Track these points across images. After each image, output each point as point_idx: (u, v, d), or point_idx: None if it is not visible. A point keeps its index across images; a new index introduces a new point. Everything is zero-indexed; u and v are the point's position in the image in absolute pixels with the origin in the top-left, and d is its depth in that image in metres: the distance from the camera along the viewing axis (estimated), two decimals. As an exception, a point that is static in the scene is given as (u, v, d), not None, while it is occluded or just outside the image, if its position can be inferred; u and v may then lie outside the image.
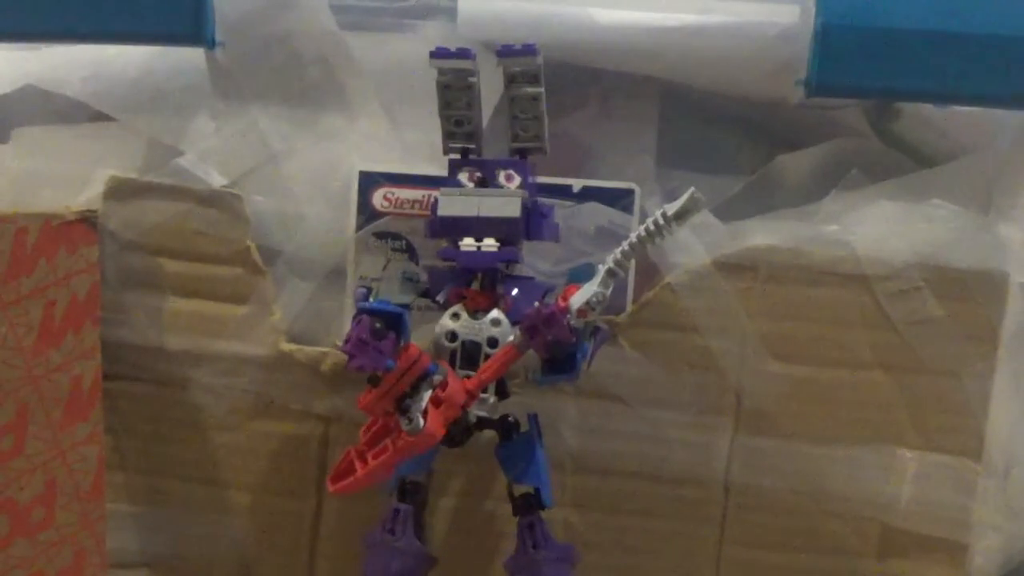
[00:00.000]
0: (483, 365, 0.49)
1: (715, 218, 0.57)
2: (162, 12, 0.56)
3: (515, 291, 0.51)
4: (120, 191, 0.57)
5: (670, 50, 0.58)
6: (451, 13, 0.58)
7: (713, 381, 0.56)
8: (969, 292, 0.55)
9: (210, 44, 0.57)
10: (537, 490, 0.51)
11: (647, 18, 0.58)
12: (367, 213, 0.57)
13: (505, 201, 0.50)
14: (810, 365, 0.56)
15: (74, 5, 0.56)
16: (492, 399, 0.50)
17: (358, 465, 0.47)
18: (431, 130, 0.53)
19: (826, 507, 0.56)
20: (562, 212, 0.56)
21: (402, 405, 0.46)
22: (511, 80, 0.51)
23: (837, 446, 0.56)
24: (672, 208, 0.47)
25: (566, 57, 0.58)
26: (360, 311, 0.47)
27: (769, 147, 0.63)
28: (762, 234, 0.56)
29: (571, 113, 0.62)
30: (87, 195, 0.57)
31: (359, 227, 0.57)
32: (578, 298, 0.48)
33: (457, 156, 0.52)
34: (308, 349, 0.57)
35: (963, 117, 0.60)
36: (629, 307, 0.56)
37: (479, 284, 0.51)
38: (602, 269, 0.48)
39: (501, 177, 0.51)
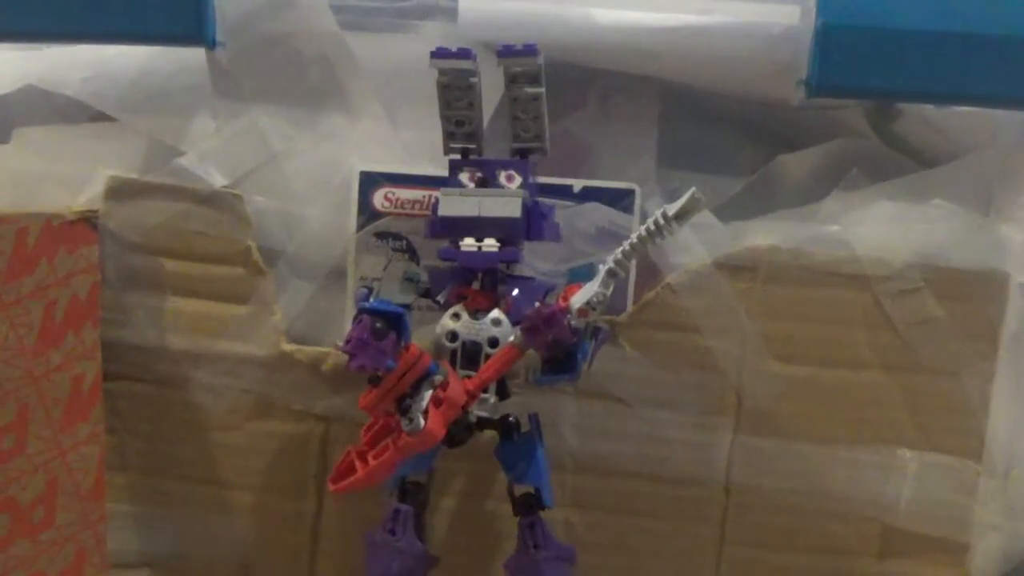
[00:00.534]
0: (484, 365, 0.49)
1: (715, 218, 0.57)
2: (162, 12, 0.56)
3: (516, 291, 0.51)
4: (120, 191, 0.57)
5: (670, 50, 0.58)
6: (451, 13, 0.58)
7: (713, 381, 0.56)
8: (969, 292, 0.55)
9: (210, 44, 0.57)
10: (537, 490, 0.51)
11: (647, 18, 0.58)
12: (368, 213, 0.57)
13: (506, 201, 0.50)
14: (810, 365, 0.56)
15: (74, 5, 0.56)
16: (493, 399, 0.50)
17: (359, 465, 0.48)
18: (431, 130, 0.53)
19: (826, 507, 0.56)
20: (562, 212, 0.56)
21: (403, 405, 0.46)
22: (512, 80, 0.51)
23: (837, 446, 0.56)
24: (672, 208, 0.47)
25: (566, 57, 0.58)
26: (361, 311, 0.47)
27: (769, 147, 0.63)
28: (762, 234, 0.56)
29: (571, 113, 0.62)
30: (87, 195, 0.57)
31: (360, 227, 0.58)
32: (578, 298, 0.48)
33: (458, 156, 0.52)
34: (309, 349, 0.57)
35: (963, 117, 0.60)
36: (629, 307, 0.56)
37: (479, 284, 0.51)
38: (602, 269, 0.48)
39: (502, 177, 0.51)
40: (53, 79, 0.61)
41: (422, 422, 0.46)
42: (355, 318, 0.47)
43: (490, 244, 0.50)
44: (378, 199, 0.57)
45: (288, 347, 0.57)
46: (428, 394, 0.47)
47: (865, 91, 0.56)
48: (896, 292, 0.55)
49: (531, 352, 0.49)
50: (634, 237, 0.48)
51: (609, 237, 0.56)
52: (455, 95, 0.51)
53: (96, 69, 0.61)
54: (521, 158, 0.52)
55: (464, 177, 0.52)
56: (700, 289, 0.55)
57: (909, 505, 0.56)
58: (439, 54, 0.50)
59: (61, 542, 0.55)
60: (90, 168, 0.58)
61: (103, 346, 0.56)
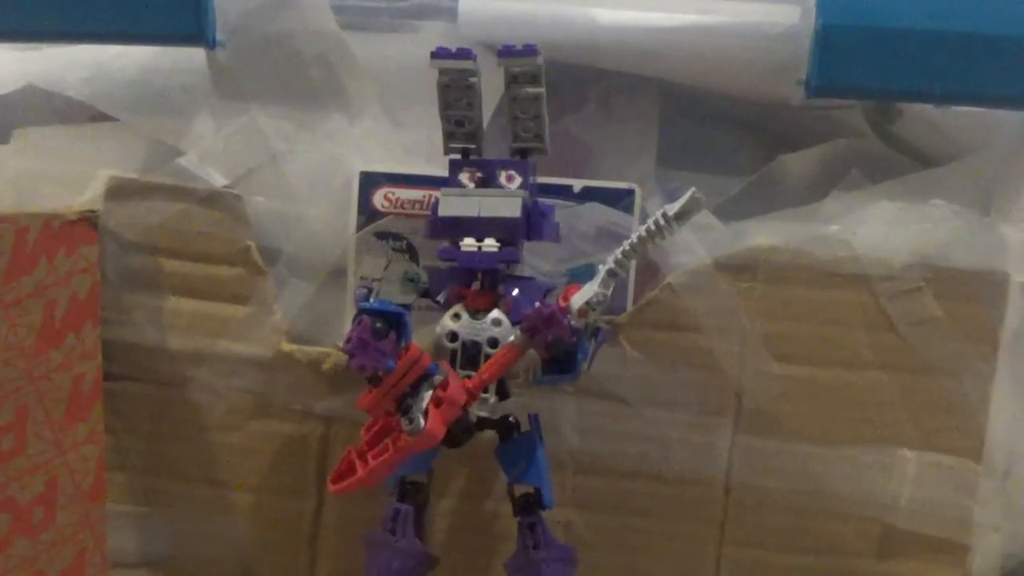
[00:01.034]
0: (483, 365, 0.49)
1: (715, 218, 0.57)
2: (162, 12, 0.56)
3: (516, 291, 0.51)
4: (120, 191, 0.57)
5: (670, 50, 0.58)
6: (451, 13, 0.58)
7: (713, 381, 0.56)
8: (969, 292, 0.55)
9: (211, 44, 0.57)
10: (538, 490, 0.51)
11: (647, 18, 0.58)
12: (368, 213, 0.57)
13: (505, 201, 0.50)
14: (810, 365, 0.56)
15: (74, 5, 0.56)
16: (493, 399, 0.50)
17: (359, 465, 0.47)
18: (431, 130, 0.53)
19: (826, 507, 0.56)
20: (562, 212, 0.56)
21: (403, 405, 0.46)
22: (512, 80, 0.51)
23: (837, 446, 0.56)
24: (672, 208, 0.47)
25: (566, 57, 0.58)
26: (361, 311, 0.47)
27: (769, 147, 0.63)
28: (762, 234, 0.56)
29: (571, 113, 0.62)
30: (87, 195, 0.57)
31: (359, 227, 0.58)
32: (578, 298, 0.48)
33: (458, 156, 0.52)
34: (309, 349, 0.57)
35: (963, 117, 0.60)
36: (630, 307, 0.56)
37: (479, 284, 0.51)
38: (602, 269, 0.48)
39: (502, 177, 0.51)
40: (53, 79, 0.61)
41: (422, 422, 0.45)
42: (355, 318, 0.47)
43: (490, 244, 0.50)
44: (378, 199, 0.57)
45: (288, 347, 0.57)
46: (428, 394, 0.47)
47: (865, 91, 0.56)
48: (896, 292, 0.55)
49: (531, 352, 0.49)
50: (634, 237, 0.48)
51: (609, 237, 0.56)
52: (455, 95, 0.51)
53: (96, 69, 0.61)
54: (521, 158, 0.52)
55: (464, 177, 0.52)
56: (700, 289, 0.55)
57: (909, 505, 0.56)
58: (439, 54, 0.50)
59: (61, 542, 0.55)
60: (90, 168, 0.58)
61: (103, 346, 0.56)
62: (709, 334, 0.55)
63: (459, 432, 0.49)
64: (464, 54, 0.50)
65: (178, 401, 0.58)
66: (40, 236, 0.52)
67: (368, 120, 0.59)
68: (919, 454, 0.56)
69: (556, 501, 0.51)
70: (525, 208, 0.50)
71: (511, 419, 0.51)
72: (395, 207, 0.57)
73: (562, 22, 0.57)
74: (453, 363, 0.50)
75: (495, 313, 0.50)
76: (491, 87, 0.52)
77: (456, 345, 0.50)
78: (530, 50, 0.50)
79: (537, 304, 0.48)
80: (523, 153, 0.52)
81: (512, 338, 0.49)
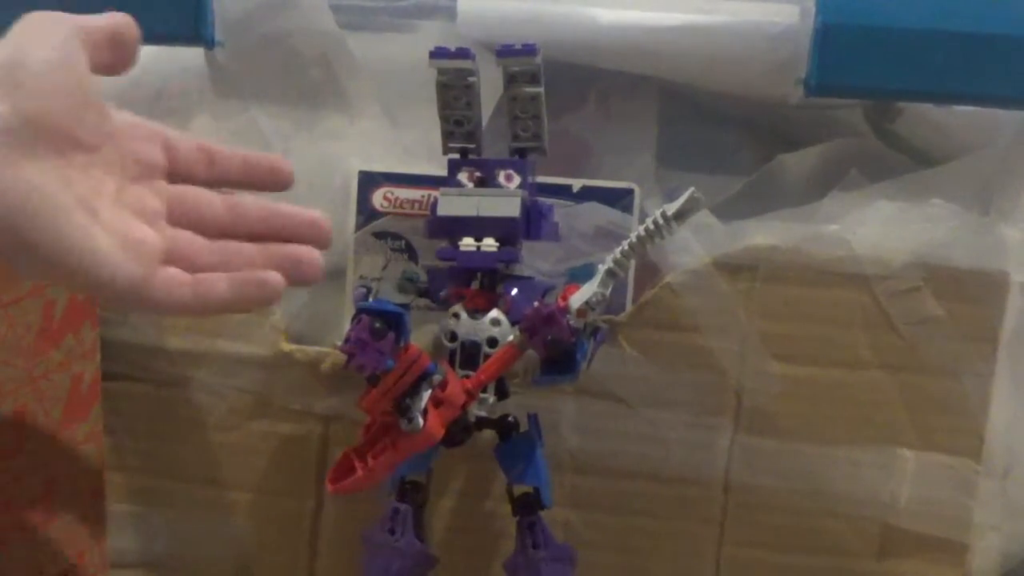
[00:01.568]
0: (482, 365, 0.49)
1: (715, 218, 0.57)
2: (162, 12, 0.56)
3: (515, 291, 0.51)
4: (120, 191, 0.57)
5: (670, 50, 0.58)
6: (451, 13, 0.58)
7: (713, 381, 0.56)
8: (969, 292, 0.55)
9: (210, 44, 0.57)
10: (537, 490, 0.51)
11: (647, 18, 0.58)
12: (367, 213, 0.57)
13: (505, 201, 0.50)
14: (810, 365, 0.56)
15: (74, 6, 0.56)
16: (492, 399, 0.50)
17: (358, 465, 0.48)
18: (431, 130, 0.53)
19: (826, 507, 0.56)
20: (562, 212, 0.56)
21: (402, 405, 0.46)
22: (511, 80, 0.51)
23: (837, 446, 0.56)
24: (672, 208, 0.47)
25: (566, 57, 0.58)
26: (360, 311, 0.47)
27: (769, 147, 0.63)
28: (762, 234, 0.56)
29: (571, 113, 0.61)
30: (87, 195, 0.57)
31: (359, 227, 0.58)
32: (578, 298, 0.48)
33: (456, 156, 0.52)
34: (308, 349, 0.57)
35: (963, 117, 0.60)
36: (629, 307, 0.56)
37: (479, 284, 0.51)
38: (602, 269, 0.48)
39: (501, 177, 0.51)
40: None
41: (421, 422, 0.46)
42: (354, 318, 0.47)
43: (489, 244, 0.50)
44: (377, 199, 0.57)
45: (287, 347, 0.57)
46: (427, 394, 0.47)
47: (864, 90, 0.56)
48: (896, 292, 0.55)
49: (530, 352, 0.49)
50: (633, 237, 0.48)
51: (608, 237, 0.56)
52: (454, 95, 0.51)
53: (96, 69, 0.61)
54: (520, 158, 0.52)
55: (463, 177, 0.52)
56: (699, 289, 0.55)
57: (909, 505, 0.56)
58: (438, 54, 0.50)
59: (60, 542, 0.55)
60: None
61: (102, 346, 0.56)
62: (708, 334, 0.55)
63: (458, 432, 0.49)
64: (463, 54, 0.50)
65: (177, 401, 0.58)
66: (39, 236, 0.51)
67: (367, 120, 0.59)
68: (919, 454, 0.56)
69: (555, 501, 0.51)
70: (524, 208, 0.50)
71: (510, 419, 0.51)
72: (394, 207, 0.57)
73: (561, 22, 0.57)
74: (452, 363, 0.50)
75: (494, 313, 0.50)
76: (490, 87, 0.52)
77: (455, 345, 0.50)
78: (529, 50, 0.50)
79: (536, 304, 0.48)
80: (522, 153, 0.52)
81: (511, 338, 0.49)
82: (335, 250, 0.58)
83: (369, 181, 0.57)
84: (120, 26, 0.42)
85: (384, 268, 0.52)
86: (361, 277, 0.57)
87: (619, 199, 0.57)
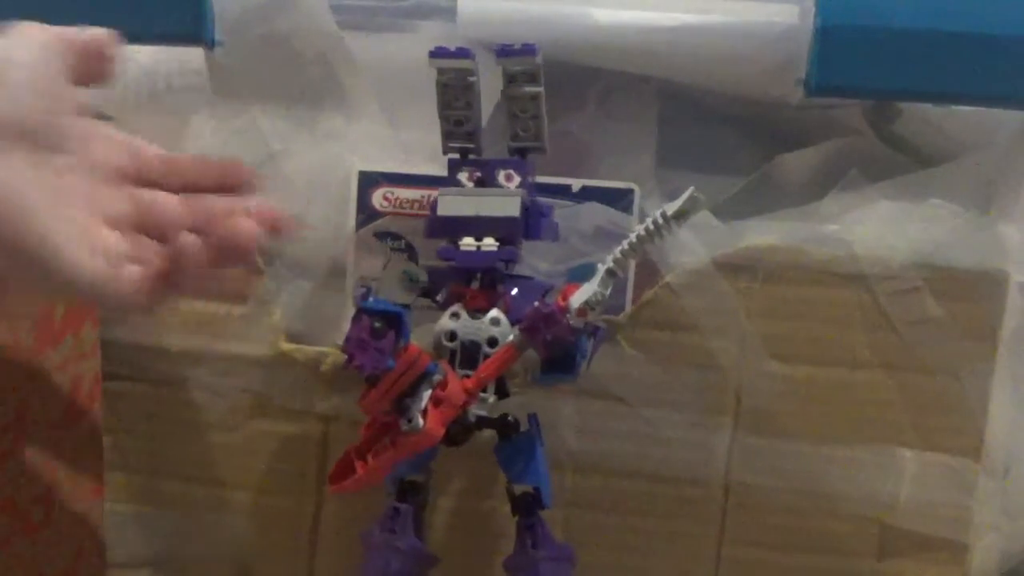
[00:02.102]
0: (482, 364, 0.49)
1: (714, 217, 0.57)
2: (162, 12, 0.56)
3: (514, 290, 0.51)
4: (120, 191, 0.57)
5: (670, 50, 0.58)
6: (451, 13, 0.58)
7: (713, 381, 0.56)
8: (969, 292, 0.55)
9: (210, 44, 0.57)
10: (537, 490, 0.51)
11: (647, 18, 0.58)
12: (367, 213, 0.57)
13: (504, 200, 0.50)
14: (810, 365, 0.56)
15: (74, 6, 0.56)
16: (492, 399, 0.50)
17: (358, 465, 0.48)
18: (431, 130, 0.53)
19: (826, 507, 0.56)
20: (561, 212, 0.56)
21: (401, 405, 0.46)
22: (511, 80, 0.51)
23: (837, 446, 0.56)
24: (671, 208, 0.47)
25: (566, 57, 0.58)
26: (359, 311, 0.47)
27: (769, 147, 0.62)
28: (762, 234, 0.56)
29: (571, 113, 0.61)
30: (87, 195, 0.57)
31: (359, 227, 0.58)
32: (577, 298, 0.48)
33: (456, 156, 0.52)
34: (308, 349, 0.57)
35: (963, 117, 0.60)
36: (629, 307, 0.56)
37: (478, 284, 0.51)
38: (601, 269, 0.48)
39: (500, 177, 0.51)
40: (52, 79, 0.61)
41: (421, 422, 0.46)
42: (354, 318, 0.47)
43: (489, 243, 0.50)
44: (377, 199, 0.57)
45: (287, 347, 0.57)
46: (427, 394, 0.47)
47: (864, 90, 0.56)
48: (895, 292, 0.55)
49: (530, 352, 0.49)
50: (633, 237, 0.48)
51: (608, 237, 0.56)
52: (454, 94, 0.51)
53: (95, 69, 0.61)
54: (520, 157, 0.52)
55: (463, 177, 0.52)
56: (699, 289, 0.55)
57: (908, 505, 0.56)
58: (438, 53, 0.50)
59: (60, 542, 0.55)
60: (89, 168, 0.58)
61: (102, 346, 0.56)
62: (708, 334, 0.55)
63: (458, 432, 0.49)
64: (462, 53, 0.50)
65: (177, 401, 0.58)
66: (39, 236, 0.51)
67: (367, 120, 0.59)
68: (918, 453, 0.56)
69: (555, 500, 0.51)
70: (524, 207, 0.50)
71: (510, 418, 0.51)
72: (394, 207, 0.57)
73: (561, 21, 0.57)
74: (452, 362, 0.50)
75: (494, 312, 0.50)
76: (490, 87, 0.52)
77: (455, 344, 0.50)
78: (529, 49, 0.50)
79: (536, 303, 0.48)
80: (522, 152, 0.52)
81: (511, 337, 0.49)
82: (335, 250, 0.58)
83: (369, 181, 0.57)
84: (100, 40, 0.44)
85: (384, 268, 0.52)
86: (361, 277, 0.57)
87: (619, 199, 0.57)
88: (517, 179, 0.51)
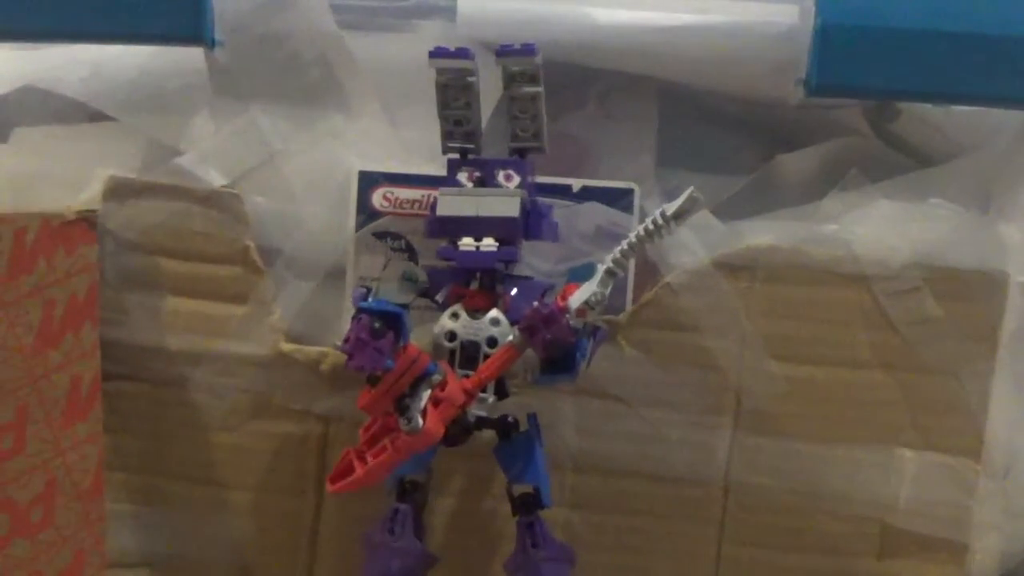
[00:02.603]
0: (482, 365, 0.49)
1: (714, 217, 0.57)
2: (162, 12, 0.56)
3: (514, 291, 0.51)
4: (119, 191, 0.57)
5: (670, 50, 0.58)
6: (451, 13, 0.58)
7: (713, 381, 0.56)
8: (969, 292, 0.55)
9: (210, 44, 0.57)
10: (536, 489, 0.51)
11: (647, 18, 0.58)
12: (366, 213, 0.57)
13: (504, 201, 0.50)
14: (810, 365, 0.56)
15: (74, 5, 0.56)
16: (491, 399, 0.50)
17: (357, 465, 0.47)
18: (431, 130, 0.53)
19: (826, 507, 0.56)
20: (561, 212, 0.56)
21: (401, 405, 0.46)
22: (510, 80, 0.51)
23: (837, 446, 0.56)
24: (671, 208, 0.47)
25: (566, 57, 0.58)
26: (359, 311, 0.47)
27: (769, 147, 0.63)
28: (762, 234, 0.56)
29: (571, 113, 0.61)
30: (87, 195, 0.57)
31: (358, 227, 0.58)
32: (577, 298, 0.48)
33: (456, 156, 0.52)
34: (308, 349, 0.57)
35: (963, 117, 0.60)
36: (629, 307, 0.56)
37: (478, 284, 0.51)
38: (601, 269, 0.48)
39: (500, 177, 0.51)
40: (53, 79, 0.61)
41: (420, 422, 0.46)
42: (354, 318, 0.47)
43: (488, 244, 0.50)
44: (377, 199, 0.57)
45: (287, 347, 0.57)
46: (427, 394, 0.47)
47: (864, 90, 0.56)
48: (895, 292, 0.55)
49: (530, 352, 0.49)
50: (633, 236, 0.48)
51: (608, 237, 0.56)
52: (453, 94, 0.51)
53: (96, 69, 0.61)
54: (520, 157, 0.52)
55: (463, 176, 0.52)
56: (699, 289, 0.55)
57: (908, 505, 0.56)
58: (437, 53, 0.50)
59: (60, 542, 0.55)
60: (89, 168, 0.58)
61: (102, 346, 0.56)
62: (708, 334, 0.55)
63: (458, 432, 0.49)
64: (462, 53, 0.50)
65: (177, 401, 0.58)
66: (39, 236, 0.52)
67: (367, 120, 0.59)
68: (918, 454, 0.56)
69: (555, 500, 0.51)
70: (523, 207, 0.50)
71: (510, 419, 0.51)
72: (394, 207, 0.57)
73: (561, 22, 0.57)
74: (452, 363, 0.50)
75: (494, 312, 0.50)
76: (491, 87, 0.52)
77: (455, 345, 0.50)
78: (528, 49, 0.50)
79: (536, 303, 0.48)
80: (521, 152, 0.52)
81: (511, 337, 0.49)
82: (335, 250, 0.58)
83: (369, 181, 0.57)
84: None
85: (384, 268, 0.52)
86: (361, 277, 0.57)
87: (619, 199, 0.57)
88: (517, 179, 0.51)
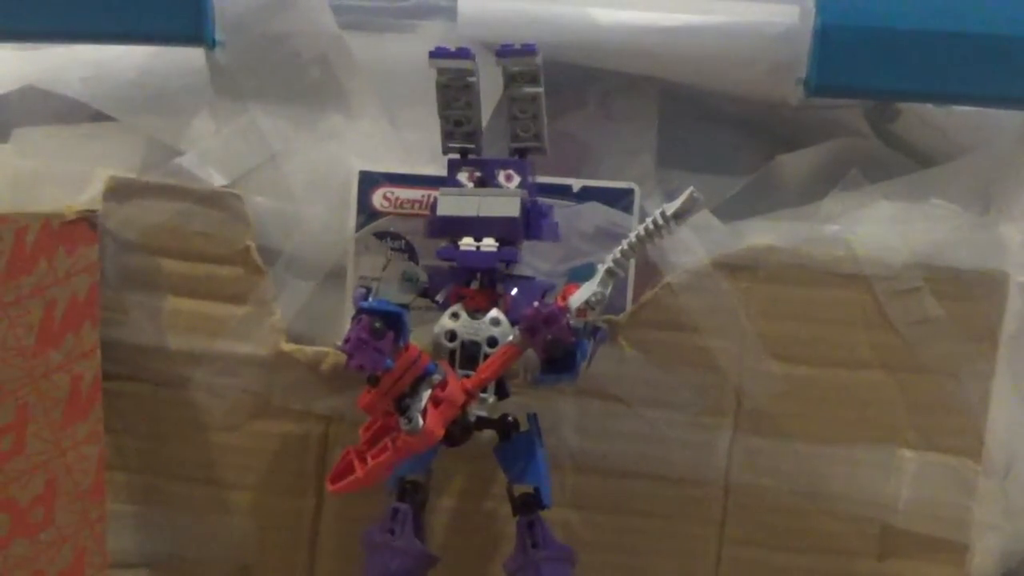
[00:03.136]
0: (482, 365, 0.49)
1: (714, 218, 0.57)
2: (162, 12, 0.56)
3: (514, 291, 0.51)
4: (120, 191, 0.57)
5: (670, 50, 0.58)
6: (451, 13, 0.58)
7: (713, 381, 0.56)
8: (969, 292, 0.55)
9: (210, 44, 0.57)
10: (536, 490, 0.51)
11: (647, 18, 0.58)
12: (367, 213, 0.57)
13: (504, 201, 0.50)
14: (810, 365, 0.56)
15: (74, 5, 0.56)
16: (491, 399, 0.50)
17: (357, 465, 0.48)
18: (431, 130, 0.53)
19: (826, 507, 0.56)
20: (562, 212, 0.56)
21: (401, 405, 0.46)
22: (511, 80, 0.51)
23: (837, 446, 0.56)
24: (671, 208, 0.47)
25: (566, 57, 0.58)
26: (359, 311, 0.47)
27: (769, 147, 0.63)
28: (762, 234, 0.56)
29: (571, 113, 0.62)
30: (87, 195, 0.57)
31: (359, 227, 0.58)
32: (577, 298, 0.48)
33: (456, 156, 0.52)
34: (308, 349, 0.57)
35: (963, 117, 0.60)
36: (629, 307, 0.56)
37: (478, 284, 0.51)
38: (601, 269, 0.48)
39: (501, 177, 0.51)
40: (53, 79, 0.61)
41: (421, 422, 0.46)
42: (354, 318, 0.47)
43: (489, 244, 0.50)
44: (377, 199, 0.57)
45: (287, 347, 0.57)
46: (427, 394, 0.47)
47: (864, 91, 0.56)
48: (895, 292, 0.55)
49: (530, 352, 0.49)
50: (633, 237, 0.48)
51: (608, 237, 0.56)
52: (454, 95, 0.51)
53: (96, 69, 0.61)
54: (520, 158, 0.52)
55: (463, 177, 0.52)
56: (699, 289, 0.55)
57: (908, 505, 0.56)
58: (438, 53, 0.50)
59: (60, 542, 0.55)
60: (89, 168, 0.58)
61: (102, 346, 0.56)
62: (708, 334, 0.55)
63: (458, 432, 0.49)
64: (463, 54, 0.50)
65: (177, 401, 0.58)
66: (39, 236, 0.52)
67: (367, 120, 0.59)
68: (919, 454, 0.56)
69: (555, 501, 0.51)
70: (524, 208, 0.50)
71: (510, 418, 0.51)
72: (394, 207, 0.57)
73: (561, 22, 0.57)
74: (452, 363, 0.50)
75: (494, 312, 0.50)
76: (491, 87, 0.52)
77: (455, 345, 0.50)
78: (529, 49, 0.50)
79: (536, 304, 0.48)
80: (522, 153, 0.52)
81: (511, 338, 0.49)
82: (335, 250, 0.58)
83: (369, 181, 0.57)
84: None
85: (384, 268, 0.52)
86: (361, 277, 0.57)
87: (619, 199, 0.57)
88: (517, 179, 0.51)
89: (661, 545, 0.58)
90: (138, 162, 0.59)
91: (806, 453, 0.56)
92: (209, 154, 0.58)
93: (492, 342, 0.49)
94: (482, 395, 0.49)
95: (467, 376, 0.49)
